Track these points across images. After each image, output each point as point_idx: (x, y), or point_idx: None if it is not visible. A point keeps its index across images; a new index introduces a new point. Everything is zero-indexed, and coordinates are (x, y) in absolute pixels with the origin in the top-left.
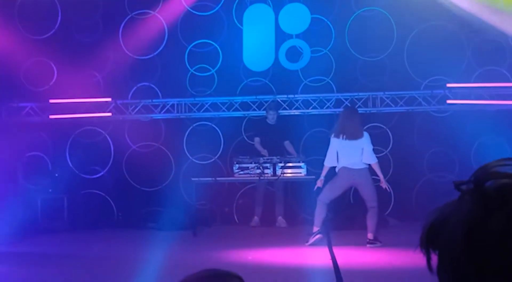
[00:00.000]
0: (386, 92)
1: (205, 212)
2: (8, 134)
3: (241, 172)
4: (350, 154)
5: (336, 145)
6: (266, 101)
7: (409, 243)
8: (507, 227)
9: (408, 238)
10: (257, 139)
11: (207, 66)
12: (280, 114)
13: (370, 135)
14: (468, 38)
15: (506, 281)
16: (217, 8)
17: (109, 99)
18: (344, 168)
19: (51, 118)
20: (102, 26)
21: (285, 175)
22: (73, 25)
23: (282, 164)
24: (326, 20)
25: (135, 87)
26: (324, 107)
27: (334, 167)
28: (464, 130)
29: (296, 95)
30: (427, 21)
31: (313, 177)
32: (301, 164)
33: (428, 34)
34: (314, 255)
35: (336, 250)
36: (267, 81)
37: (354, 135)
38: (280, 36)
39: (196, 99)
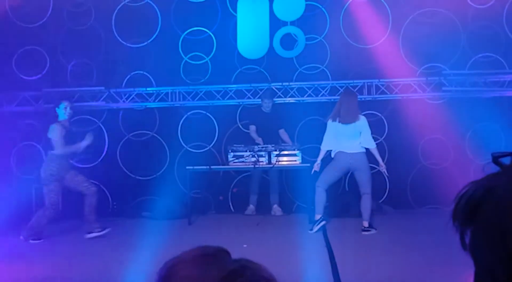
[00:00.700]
0: (381, 80)
1: (200, 200)
2: (1, 123)
3: (236, 160)
4: (346, 138)
5: (332, 128)
6: (261, 89)
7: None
8: None
9: (402, 225)
10: (252, 127)
11: (201, 54)
12: (275, 102)
13: None
14: (464, 25)
15: None
16: None
17: (102, 88)
18: (340, 152)
19: (44, 107)
20: (94, 14)
21: (280, 163)
22: (65, 13)
23: (277, 152)
24: (321, 6)
25: (128, 76)
26: (319, 95)
27: (331, 153)
28: (459, 117)
29: (291, 83)
30: (422, 8)
31: (308, 164)
32: (296, 152)
33: (423, 21)
34: (310, 243)
35: (331, 237)
36: (261, 69)
37: (346, 120)
38: (275, 23)
39: (190, 87)
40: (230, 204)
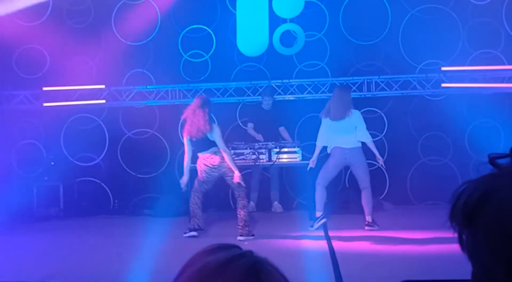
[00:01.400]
0: (381, 77)
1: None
2: (1, 122)
3: (237, 158)
4: (341, 133)
5: (326, 125)
6: (260, 87)
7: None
8: None
9: (402, 221)
10: (250, 125)
11: (201, 52)
12: (275, 99)
13: (365, 120)
14: (463, 22)
15: None
16: None
17: (102, 86)
18: (336, 147)
19: (45, 106)
20: (94, 12)
21: (280, 160)
22: (65, 11)
23: (277, 149)
24: (320, 4)
25: (128, 74)
26: (319, 92)
27: (327, 149)
28: (458, 113)
29: (290, 80)
30: (422, 4)
31: (308, 162)
32: (296, 149)
33: (423, 17)
34: (311, 240)
35: (331, 234)
36: (261, 67)
37: (336, 116)
38: (274, 20)
39: (190, 85)
40: (231, 201)
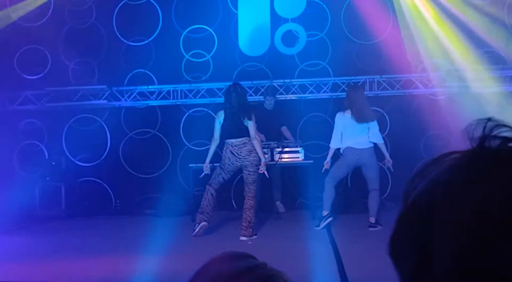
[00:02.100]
0: (383, 76)
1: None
2: (3, 123)
3: None
4: (355, 134)
5: (341, 125)
6: (262, 87)
7: None
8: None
9: None
10: None
11: (203, 52)
12: (277, 99)
13: None
14: (465, 21)
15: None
16: None
17: (104, 86)
18: (348, 147)
19: (47, 106)
20: (95, 12)
21: (282, 160)
22: (66, 11)
23: (279, 149)
24: (321, 3)
25: (130, 74)
26: (321, 92)
27: (339, 149)
28: (461, 112)
29: (292, 80)
30: None
31: (311, 161)
32: (299, 149)
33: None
34: (314, 240)
35: (335, 234)
36: (263, 66)
37: (361, 119)
38: (276, 20)
39: (192, 85)
40: (233, 200)
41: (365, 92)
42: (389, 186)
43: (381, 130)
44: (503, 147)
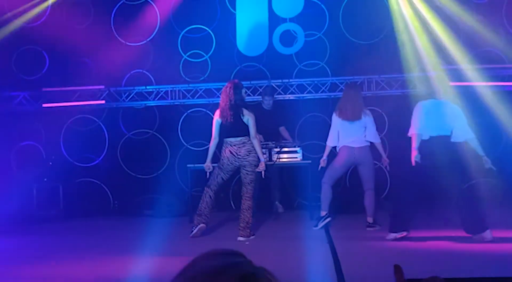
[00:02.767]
0: (381, 76)
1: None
2: (0, 123)
3: None
4: (351, 133)
5: (337, 123)
6: (260, 87)
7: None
8: None
9: None
10: None
11: (201, 52)
12: (275, 99)
13: None
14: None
15: None
16: None
17: (102, 86)
18: (344, 146)
19: (44, 107)
20: (93, 13)
21: (281, 160)
22: (64, 11)
23: (278, 149)
24: (320, 3)
25: (128, 74)
26: (319, 92)
27: (335, 148)
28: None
29: (290, 80)
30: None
31: (309, 161)
32: (297, 149)
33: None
34: (312, 240)
35: (333, 234)
36: (261, 66)
37: (354, 117)
38: (274, 20)
39: (190, 85)
40: (231, 201)
41: (364, 92)
42: (387, 186)
43: (379, 130)
44: None
